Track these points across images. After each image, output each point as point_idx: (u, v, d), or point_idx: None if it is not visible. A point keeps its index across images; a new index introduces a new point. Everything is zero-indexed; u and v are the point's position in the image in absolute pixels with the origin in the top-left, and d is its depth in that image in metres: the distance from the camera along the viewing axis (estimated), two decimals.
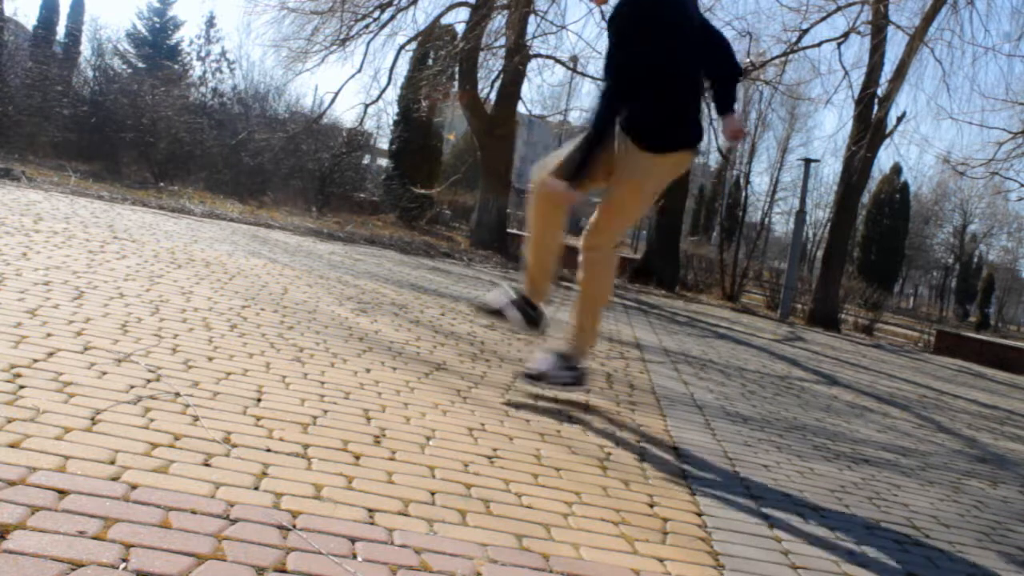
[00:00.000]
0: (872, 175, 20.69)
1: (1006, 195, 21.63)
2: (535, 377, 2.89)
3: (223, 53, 29.48)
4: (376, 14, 13.24)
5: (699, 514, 1.97)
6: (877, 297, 18.23)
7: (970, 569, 2.00)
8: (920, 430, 3.99)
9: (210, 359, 2.44)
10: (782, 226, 37.39)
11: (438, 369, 3.02)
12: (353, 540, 1.42)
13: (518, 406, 2.68)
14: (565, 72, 15.39)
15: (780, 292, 13.42)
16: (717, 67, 2.91)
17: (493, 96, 13.93)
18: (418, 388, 2.64)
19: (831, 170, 42.28)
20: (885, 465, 2.96)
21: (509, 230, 14.44)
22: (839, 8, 12.49)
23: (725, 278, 16.75)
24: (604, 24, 3.22)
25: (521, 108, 14.85)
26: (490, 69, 14.01)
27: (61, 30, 30.98)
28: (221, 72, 25.97)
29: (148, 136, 15.99)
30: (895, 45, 24.03)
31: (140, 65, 26.99)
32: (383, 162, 27.21)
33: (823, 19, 12.61)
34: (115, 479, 1.46)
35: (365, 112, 15.08)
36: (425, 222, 18.50)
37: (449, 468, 1.92)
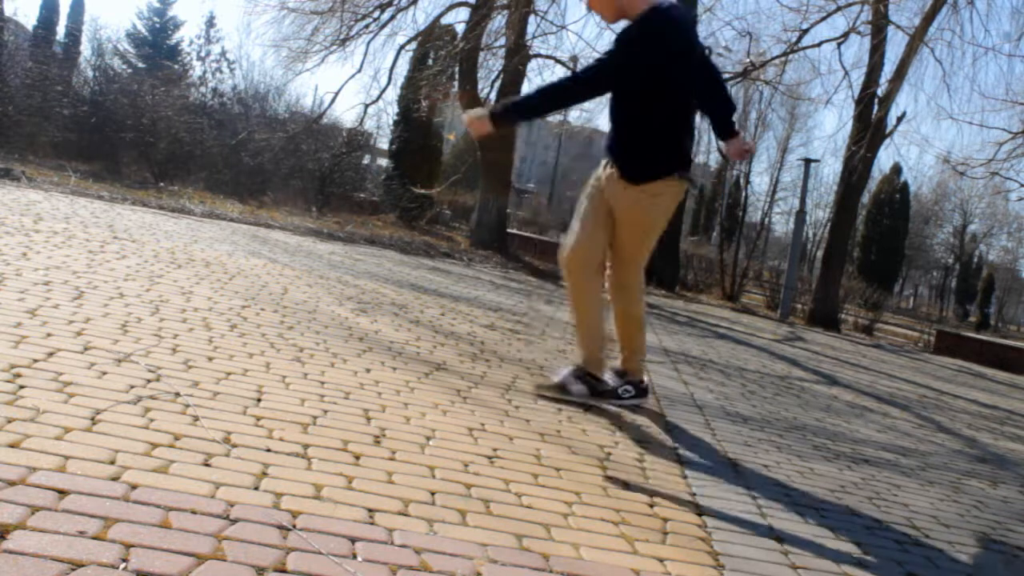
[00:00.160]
0: (872, 175, 20.68)
1: (1006, 195, 21.63)
2: (601, 394, 2.95)
3: (223, 53, 29.45)
4: (376, 14, 13.24)
5: (699, 514, 1.97)
6: (877, 297, 18.22)
7: (970, 569, 2.00)
8: (920, 430, 3.99)
9: (210, 359, 2.44)
10: (782, 226, 37.39)
11: (438, 369, 3.02)
12: (353, 540, 1.42)
13: (519, 407, 2.68)
14: (565, 72, 15.39)
15: (780, 292, 13.41)
16: (712, 104, 2.88)
17: (493, 96, 13.91)
18: (418, 388, 2.64)
19: (831, 170, 42.29)
20: (885, 465, 2.96)
21: (509, 230, 14.43)
22: (839, 8, 12.48)
23: (725, 278, 16.74)
24: (611, 32, 3.22)
25: None
26: (490, 69, 14.01)
27: (61, 30, 31.01)
28: (221, 72, 25.95)
29: (148, 136, 15.99)
30: (895, 45, 24.01)
31: (140, 65, 26.98)
32: (383, 162, 27.20)
33: (823, 19, 12.60)
34: (115, 479, 1.46)
35: (365, 112, 15.09)
36: (425, 222, 18.49)
37: (449, 468, 1.92)
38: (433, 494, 1.73)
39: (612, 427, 2.68)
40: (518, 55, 12.91)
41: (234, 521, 1.39)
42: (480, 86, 13.68)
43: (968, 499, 2.72)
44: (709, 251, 21.07)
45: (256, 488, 1.56)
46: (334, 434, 1.98)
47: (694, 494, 2.11)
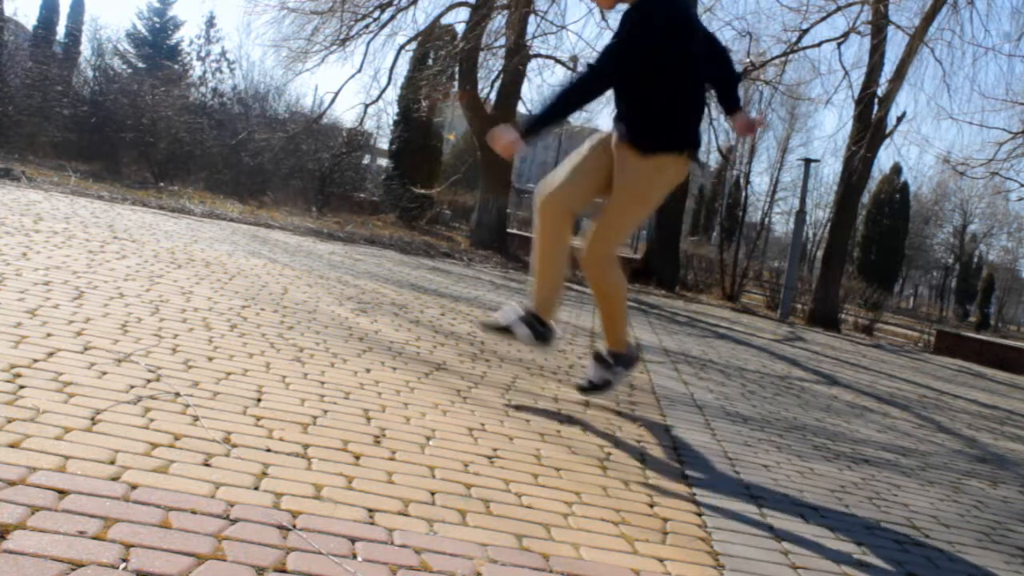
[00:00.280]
0: (872, 175, 20.69)
1: (1006, 195, 21.63)
2: (591, 388, 2.96)
3: (223, 53, 29.49)
4: (376, 14, 13.25)
5: (699, 514, 1.97)
6: (877, 297, 18.22)
7: (970, 569, 2.00)
8: (920, 430, 3.99)
9: (210, 359, 2.44)
10: (782, 226, 37.40)
11: (438, 369, 3.02)
12: (353, 540, 1.42)
13: (519, 407, 2.69)
14: (565, 72, 15.36)
15: (780, 292, 13.42)
16: (719, 69, 2.97)
17: (493, 96, 13.93)
18: (418, 388, 2.64)
19: (831, 170, 42.27)
20: (885, 465, 2.96)
21: (509, 230, 14.43)
22: (839, 8, 12.49)
23: (725, 278, 16.75)
24: (616, 16, 3.20)
25: (521, 108, 14.84)
26: (490, 69, 14.02)
27: (61, 30, 31.01)
28: (221, 72, 25.96)
29: (148, 136, 15.99)
30: (895, 45, 24.02)
31: (140, 65, 26.99)
32: (383, 162, 27.20)
33: (823, 19, 12.62)
34: (115, 479, 1.46)
35: (365, 112, 15.10)
36: (425, 222, 18.50)
37: (449, 468, 1.92)
38: (433, 494, 1.73)
39: (612, 427, 2.68)
40: (518, 55, 12.92)
41: (234, 521, 1.39)
42: (480, 86, 13.69)
43: (968, 499, 2.72)
44: (709, 251, 21.09)
45: (256, 488, 1.56)
46: (334, 434, 1.98)
47: (694, 494, 2.11)
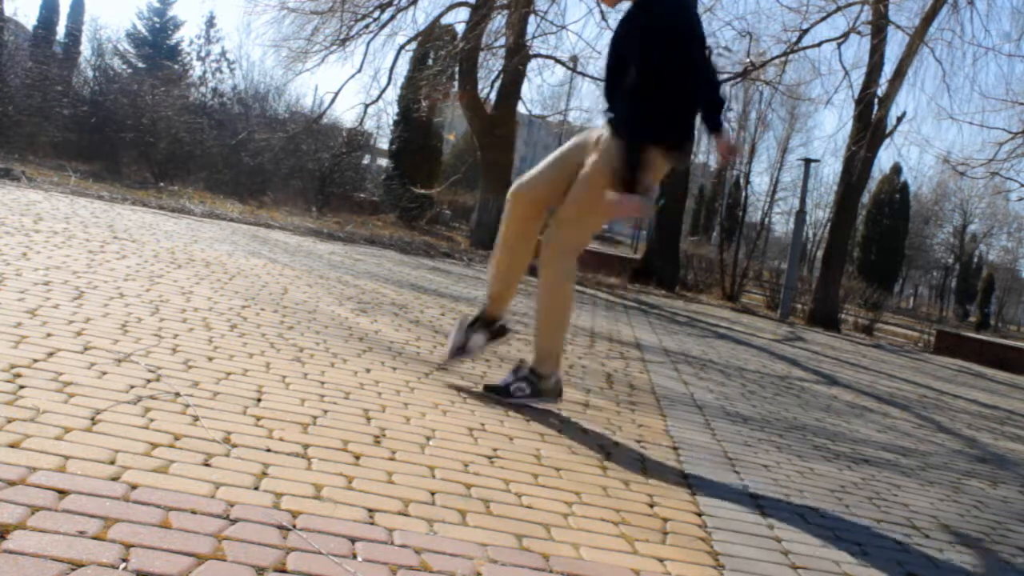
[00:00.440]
0: (872, 175, 20.69)
1: (1006, 195, 21.62)
2: (496, 391, 2.75)
3: (223, 53, 29.46)
4: (376, 14, 13.24)
5: (699, 514, 1.97)
6: (877, 297, 18.23)
7: (970, 569, 2.00)
8: (920, 430, 3.99)
9: (210, 359, 2.44)
10: (782, 226, 37.38)
11: (438, 369, 3.02)
12: (353, 540, 1.42)
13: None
14: (565, 72, 15.40)
15: (780, 292, 13.42)
16: (706, 91, 2.84)
17: (493, 96, 13.92)
18: (418, 388, 2.64)
19: (831, 170, 42.25)
20: (885, 465, 2.96)
21: None
22: (839, 8, 12.48)
23: (725, 278, 16.75)
24: (614, 17, 3.14)
25: (521, 108, 14.87)
26: (490, 69, 14.02)
27: (61, 30, 31.02)
28: (221, 72, 25.98)
29: (148, 136, 16.00)
30: (895, 45, 24.00)
31: (140, 65, 27.00)
32: (383, 162, 27.21)
33: (823, 19, 12.60)
34: (115, 479, 1.46)
35: (365, 112, 15.09)
36: (425, 222, 18.51)
37: (449, 468, 1.92)
38: (433, 494, 1.73)
39: (612, 427, 2.68)
40: (518, 55, 12.92)
41: (234, 521, 1.39)
42: (480, 86, 13.69)
43: (968, 499, 2.72)
44: (709, 251, 21.07)
45: (256, 488, 1.56)
46: (334, 434, 1.98)
47: (694, 494, 2.11)
